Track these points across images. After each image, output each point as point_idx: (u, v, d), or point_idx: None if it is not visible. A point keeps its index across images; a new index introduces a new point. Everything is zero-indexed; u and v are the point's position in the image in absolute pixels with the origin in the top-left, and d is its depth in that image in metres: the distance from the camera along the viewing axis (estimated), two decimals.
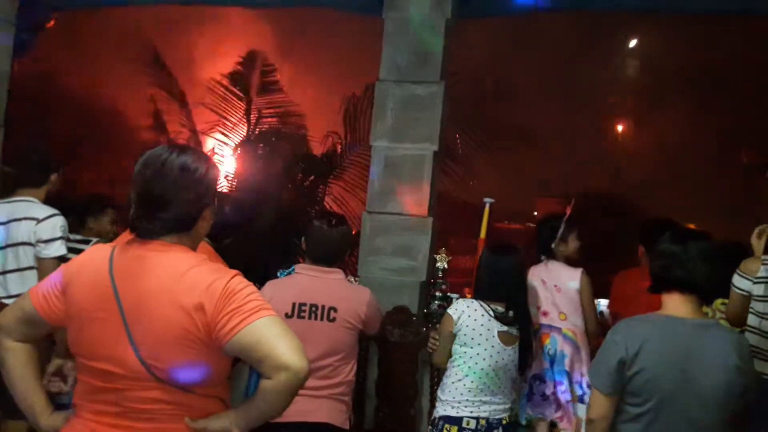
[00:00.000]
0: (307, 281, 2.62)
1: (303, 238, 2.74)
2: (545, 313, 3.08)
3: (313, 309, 2.54)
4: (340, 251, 2.71)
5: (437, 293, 4.09)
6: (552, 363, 3.02)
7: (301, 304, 2.54)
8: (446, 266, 4.21)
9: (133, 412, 1.58)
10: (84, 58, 9.85)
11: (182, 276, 1.57)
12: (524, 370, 2.84)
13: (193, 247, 1.69)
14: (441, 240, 4.38)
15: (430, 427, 2.76)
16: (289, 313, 2.53)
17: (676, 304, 2.00)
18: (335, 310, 2.55)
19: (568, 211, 3.35)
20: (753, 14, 4.44)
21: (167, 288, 1.56)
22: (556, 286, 3.09)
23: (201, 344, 1.55)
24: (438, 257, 4.25)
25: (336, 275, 2.65)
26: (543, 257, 3.28)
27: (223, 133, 8.32)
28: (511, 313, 2.69)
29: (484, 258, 2.86)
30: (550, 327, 3.07)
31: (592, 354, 2.90)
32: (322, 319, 2.54)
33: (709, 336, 1.97)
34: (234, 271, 1.63)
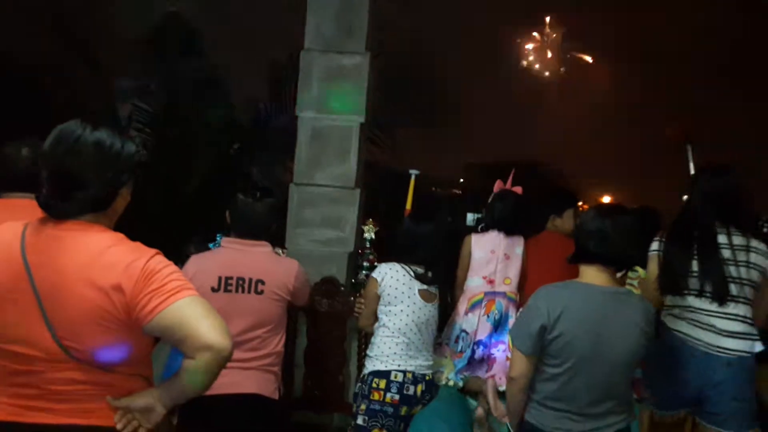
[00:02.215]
0: (234, 254, 2.59)
1: (228, 212, 2.70)
2: (491, 281, 3.20)
3: (240, 282, 2.52)
4: (267, 225, 2.69)
5: (365, 263, 4.15)
6: (496, 327, 3.15)
7: (228, 278, 2.52)
8: (374, 237, 4.28)
9: (52, 394, 1.55)
10: None
11: (99, 256, 1.53)
12: (443, 325, 2.98)
13: (110, 226, 1.64)
14: (369, 208, 4.44)
15: (359, 383, 2.85)
16: (216, 287, 2.50)
17: (594, 274, 2.12)
18: (263, 282, 2.54)
19: (509, 184, 3.45)
20: None
21: (84, 268, 1.52)
22: (506, 254, 3.22)
23: (120, 324, 1.53)
24: (365, 228, 4.31)
25: (263, 248, 2.64)
26: (481, 228, 3.38)
27: (141, 99, 7.96)
28: (429, 273, 2.83)
29: (404, 225, 2.99)
30: (494, 293, 3.19)
31: None
32: (249, 291, 2.53)
33: (621, 303, 2.11)
34: (153, 251, 1.60)
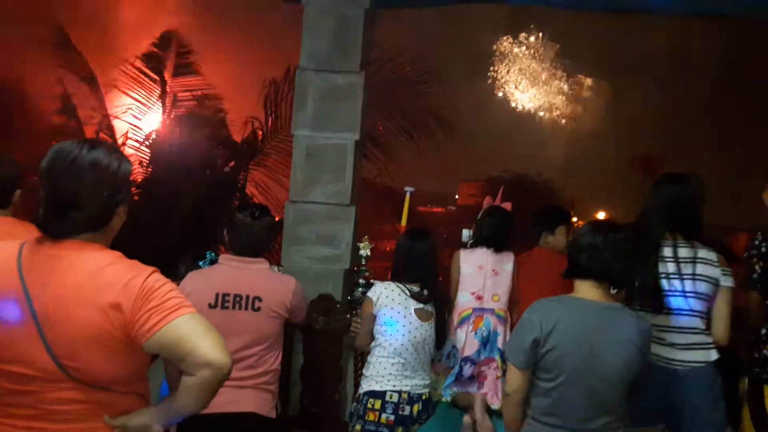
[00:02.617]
0: (231, 272, 2.60)
1: (225, 231, 2.72)
2: (479, 297, 3.21)
3: (237, 299, 2.53)
4: (264, 243, 2.71)
5: (360, 280, 4.16)
6: (485, 344, 3.15)
7: (225, 295, 2.53)
8: (369, 254, 4.29)
9: (48, 414, 1.54)
10: None
11: (98, 274, 1.54)
12: (441, 344, 2.97)
13: (107, 244, 1.65)
14: (364, 225, 4.45)
15: (354, 403, 2.85)
16: (213, 304, 2.51)
17: (588, 289, 2.14)
18: (260, 299, 2.55)
19: (498, 200, 3.48)
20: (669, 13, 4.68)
21: (82, 287, 1.53)
22: (495, 270, 3.23)
23: (118, 343, 1.53)
24: (361, 245, 4.32)
25: (260, 265, 2.65)
26: (471, 244, 3.39)
27: (137, 117, 8.00)
28: (425, 291, 2.83)
29: (400, 243, 2.99)
30: (483, 310, 3.19)
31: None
32: (246, 308, 2.54)
33: (615, 318, 2.12)
34: (151, 268, 1.60)
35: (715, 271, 2.49)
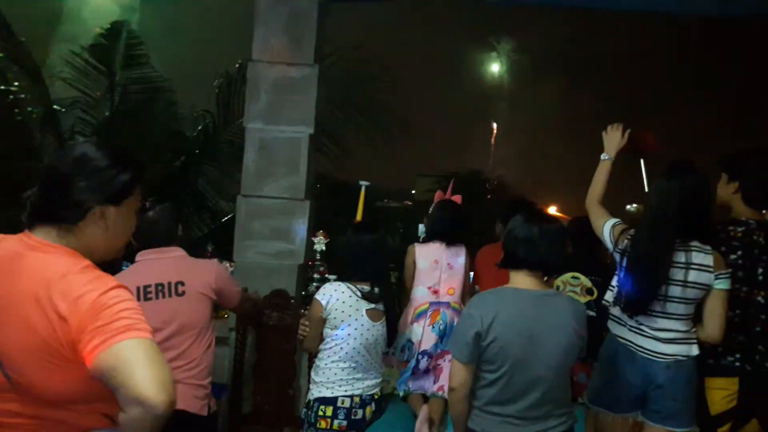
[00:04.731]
0: (148, 264, 2.54)
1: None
2: (435, 291, 3.20)
3: (159, 288, 2.46)
4: (168, 230, 2.63)
5: (315, 275, 4.13)
6: (441, 338, 3.15)
7: (146, 286, 2.46)
8: (324, 248, 4.26)
9: None
10: None
11: (56, 282, 1.38)
12: (392, 341, 2.91)
13: (82, 251, 1.49)
14: (320, 220, 4.42)
15: (305, 410, 2.77)
16: (135, 298, 2.45)
17: (523, 279, 2.19)
18: (182, 284, 2.49)
19: (449, 194, 3.49)
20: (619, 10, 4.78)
21: (37, 294, 1.38)
22: (450, 264, 3.23)
23: (66, 359, 1.36)
24: (316, 240, 4.29)
25: (176, 252, 2.59)
26: (423, 238, 3.40)
27: (84, 110, 7.73)
28: (376, 289, 2.73)
29: (346, 238, 2.84)
30: (439, 303, 3.19)
31: None
32: (171, 295, 2.47)
33: (551, 305, 2.17)
34: (115, 283, 1.42)
35: (708, 278, 2.42)
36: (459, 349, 2.17)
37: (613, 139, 2.71)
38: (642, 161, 2.95)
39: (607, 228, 2.59)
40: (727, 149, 2.81)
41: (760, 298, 2.57)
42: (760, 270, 2.57)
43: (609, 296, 2.72)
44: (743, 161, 2.68)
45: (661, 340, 2.43)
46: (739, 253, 2.55)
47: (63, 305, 1.35)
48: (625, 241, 2.51)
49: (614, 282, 2.67)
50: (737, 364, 2.55)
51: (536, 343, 2.11)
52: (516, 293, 2.19)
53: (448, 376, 2.30)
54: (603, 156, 2.71)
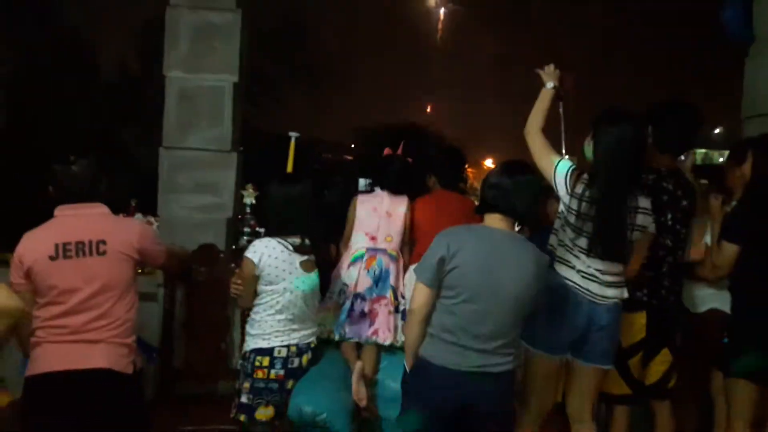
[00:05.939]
0: (68, 220, 2.41)
1: (49, 186, 2.49)
2: (373, 238, 3.22)
3: (80, 246, 2.35)
4: (92, 185, 2.50)
5: (246, 228, 4.05)
6: (377, 282, 3.17)
7: (66, 244, 2.34)
8: (254, 201, 4.17)
9: None
10: None
11: None
12: (326, 290, 2.91)
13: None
14: (252, 173, 4.29)
15: (241, 361, 2.74)
16: (54, 255, 2.32)
17: (495, 221, 2.32)
18: (104, 242, 2.38)
19: (400, 150, 3.47)
20: None
21: None
22: (388, 212, 3.24)
23: None
24: (245, 193, 4.19)
25: (99, 209, 2.47)
26: (370, 187, 3.38)
27: None
28: (307, 241, 2.68)
29: (271, 191, 2.74)
30: (376, 250, 3.21)
31: (405, 270, 3.19)
32: (91, 254, 2.37)
33: (516, 246, 2.28)
34: None
35: (648, 220, 2.52)
36: (423, 271, 2.27)
37: (550, 72, 2.72)
38: (561, 104, 2.96)
39: (562, 171, 2.53)
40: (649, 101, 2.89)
41: (668, 242, 2.71)
42: (669, 215, 2.70)
43: (553, 240, 2.75)
44: (657, 111, 2.76)
45: (606, 284, 2.52)
46: (649, 198, 2.64)
47: None
48: (581, 186, 2.50)
49: (556, 225, 2.69)
50: (645, 298, 2.69)
51: (495, 277, 2.21)
52: (486, 230, 2.31)
53: (410, 298, 2.37)
54: (548, 85, 2.67)
